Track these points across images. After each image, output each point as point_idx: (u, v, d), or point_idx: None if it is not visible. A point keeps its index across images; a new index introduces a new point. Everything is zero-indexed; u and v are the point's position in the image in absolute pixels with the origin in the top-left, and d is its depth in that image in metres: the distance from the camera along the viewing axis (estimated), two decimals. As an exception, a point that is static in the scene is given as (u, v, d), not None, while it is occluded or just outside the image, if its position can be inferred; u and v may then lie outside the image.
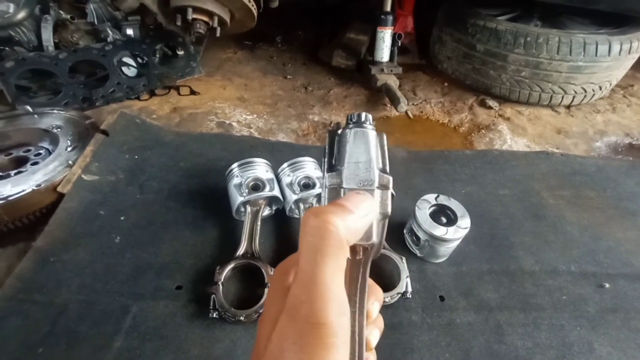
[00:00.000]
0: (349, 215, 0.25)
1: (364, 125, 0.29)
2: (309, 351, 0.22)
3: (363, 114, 0.29)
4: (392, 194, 0.28)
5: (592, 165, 1.14)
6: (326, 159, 0.29)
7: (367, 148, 0.28)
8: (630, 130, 1.42)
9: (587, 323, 0.71)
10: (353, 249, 0.26)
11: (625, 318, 0.73)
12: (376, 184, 0.27)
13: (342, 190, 0.27)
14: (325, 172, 0.28)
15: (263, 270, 0.72)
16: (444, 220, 0.78)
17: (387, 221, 0.28)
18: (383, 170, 0.28)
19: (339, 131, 0.29)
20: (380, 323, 0.30)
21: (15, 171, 0.88)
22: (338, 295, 0.23)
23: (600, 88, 1.43)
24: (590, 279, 0.80)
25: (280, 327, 0.24)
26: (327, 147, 0.29)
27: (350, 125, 0.29)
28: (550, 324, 0.71)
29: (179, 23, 1.19)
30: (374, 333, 0.29)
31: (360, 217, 0.26)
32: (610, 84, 1.46)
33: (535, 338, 0.68)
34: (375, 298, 0.29)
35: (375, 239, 0.28)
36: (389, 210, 0.28)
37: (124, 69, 1.34)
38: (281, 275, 0.30)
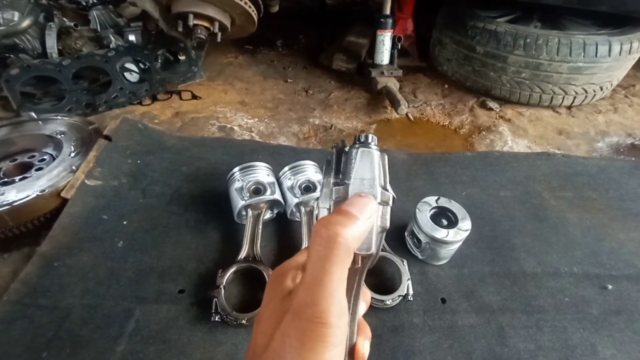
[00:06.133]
0: (354, 223, 0.27)
1: (370, 145, 0.32)
2: (310, 347, 0.24)
3: (370, 136, 0.32)
4: (393, 200, 0.32)
5: (594, 166, 1.14)
6: (332, 174, 0.31)
7: (371, 167, 0.31)
8: (632, 130, 1.41)
9: (590, 325, 0.71)
10: (353, 258, 0.28)
11: (628, 320, 0.72)
12: (378, 200, 0.30)
13: None
14: (332, 187, 0.31)
15: (265, 274, 0.72)
16: (444, 222, 0.78)
17: (384, 234, 0.31)
18: (384, 188, 0.31)
19: (346, 149, 0.32)
20: (368, 332, 0.32)
21: (20, 177, 0.89)
22: (340, 300, 0.26)
23: (601, 88, 1.42)
24: (593, 281, 0.79)
25: (285, 325, 0.26)
26: (334, 163, 0.32)
27: (357, 145, 0.32)
28: (553, 326, 0.70)
29: (180, 29, 1.21)
30: (365, 344, 0.31)
31: (364, 221, 0.28)
32: (611, 85, 1.46)
33: (538, 340, 0.68)
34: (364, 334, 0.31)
35: (374, 249, 0.30)
36: (388, 224, 0.31)
37: (127, 74, 1.35)
38: (278, 278, 0.32)
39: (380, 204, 0.30)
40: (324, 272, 0.25)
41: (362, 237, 0.28)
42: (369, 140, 0.32)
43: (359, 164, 0.31)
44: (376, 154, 0.32)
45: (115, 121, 1.10)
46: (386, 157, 0.33)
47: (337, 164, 0.31)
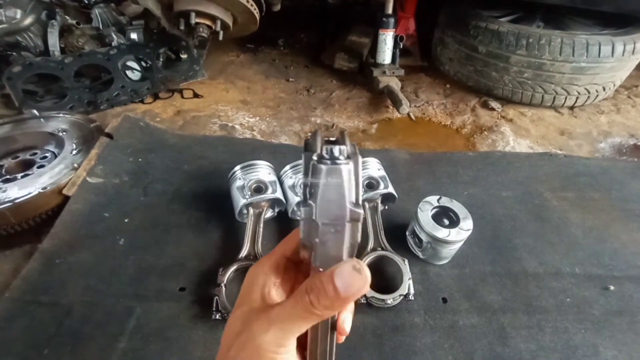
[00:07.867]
0: (335, 303, 0.28)
1: (337, 161, 0.28)
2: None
3: (337, 149, 0.29)
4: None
5: (596, 167, 1.14)
6: (301, 188, 0.31)
7: (339, 186, 0.28)
8: (635, 131, 1.41)
9: (591, 326, 0.71)
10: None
11: (630, 321, 0.72)
12: (347, 219, 0.29)
13: (317, 223, 0.29)
14: (301, 205, 0.30)
15: (265, 272, 0.72)
16: (446, 222, 0.77)
17: (356, 247, 0.30)
18: (355, 203, 0.29)
19: (314, 156, 0.29)
20: (351, 307, 0.34)
21: (22, 174, 0.89)
22: (290, 338, 0.29)
23: (604, 89, 1.42)
24: (595, 281, 0.79)
25: (242, 340, 0.29)
26: (303, 170, 0.30)
27: (324, 161, 0.28)
28: (555, 326, 0.70)
29: (182, 27, 1.21)
30: (347, 317, 0.33)
31: (346, 300, 0.28)
32: (614, 85, 1.45)
33: (539, 341, 0.68)
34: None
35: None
36: (358, 239, 0.30)
37: (128, 72, 1.35)
38: (251, 282, 0.35)
39: (348, 222, 0.29)
40: (291, 320, 0.29)
41: (342, 309, 0.30)
42: (336, 155, 0.28)
43: (325, 185, 0.28)
44: (344, 169, 0.28)
45: (116, 119, 1.10)
46: (360, 161, 0.30)
47: (305, 175, 0.29)
